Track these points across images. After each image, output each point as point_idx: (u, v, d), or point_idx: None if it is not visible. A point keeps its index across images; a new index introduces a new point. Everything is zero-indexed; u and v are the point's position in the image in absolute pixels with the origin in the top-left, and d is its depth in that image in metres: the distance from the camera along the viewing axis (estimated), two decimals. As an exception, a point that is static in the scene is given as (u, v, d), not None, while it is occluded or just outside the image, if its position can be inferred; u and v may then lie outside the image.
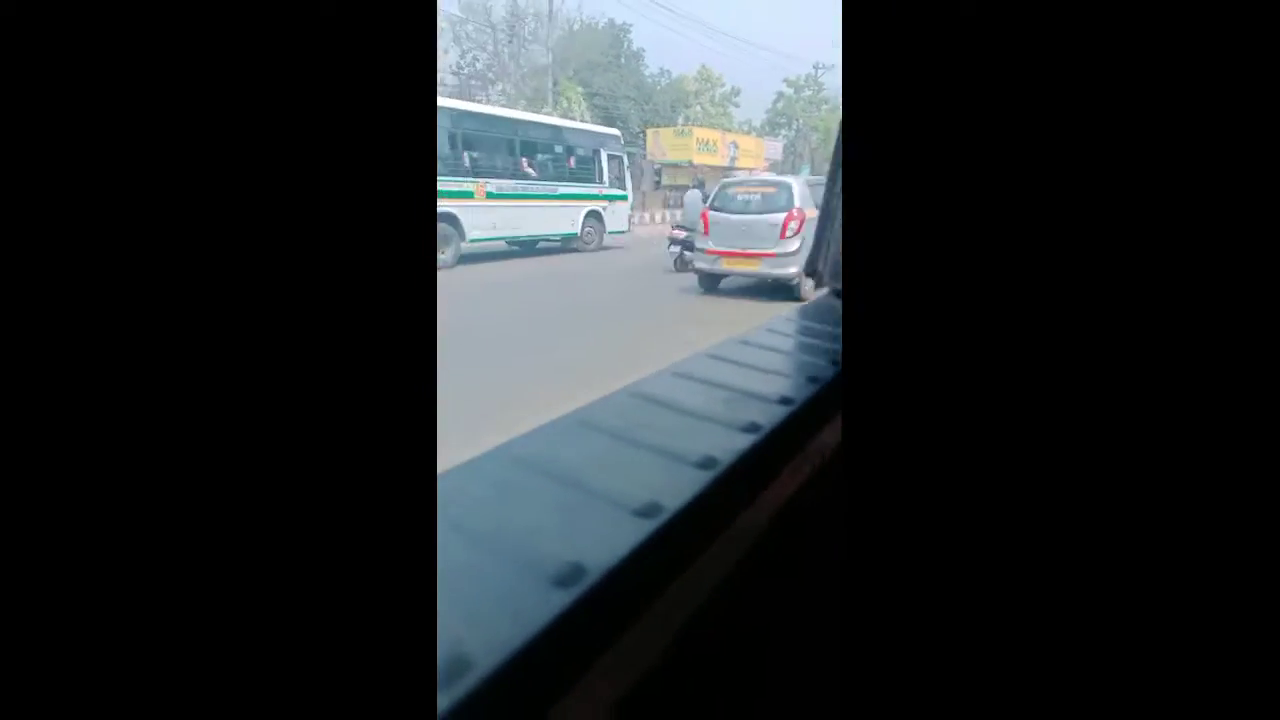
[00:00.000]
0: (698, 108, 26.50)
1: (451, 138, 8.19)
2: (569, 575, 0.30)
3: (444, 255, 7.79)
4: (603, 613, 0.31)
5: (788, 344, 0.71)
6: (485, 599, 0.28)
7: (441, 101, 9.17)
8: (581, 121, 13.73)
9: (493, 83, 20.92)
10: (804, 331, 0.77)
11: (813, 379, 0.59)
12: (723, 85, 27.54)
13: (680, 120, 25.01)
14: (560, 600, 0.28)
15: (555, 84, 19.79)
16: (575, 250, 9.94)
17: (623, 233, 10.78)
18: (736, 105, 28.33)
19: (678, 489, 0.39)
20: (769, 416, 0.50)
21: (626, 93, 23.71)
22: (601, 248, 10.23)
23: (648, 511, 0.36)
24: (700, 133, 19.94)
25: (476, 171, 8.43)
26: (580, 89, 20.13)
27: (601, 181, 10.41)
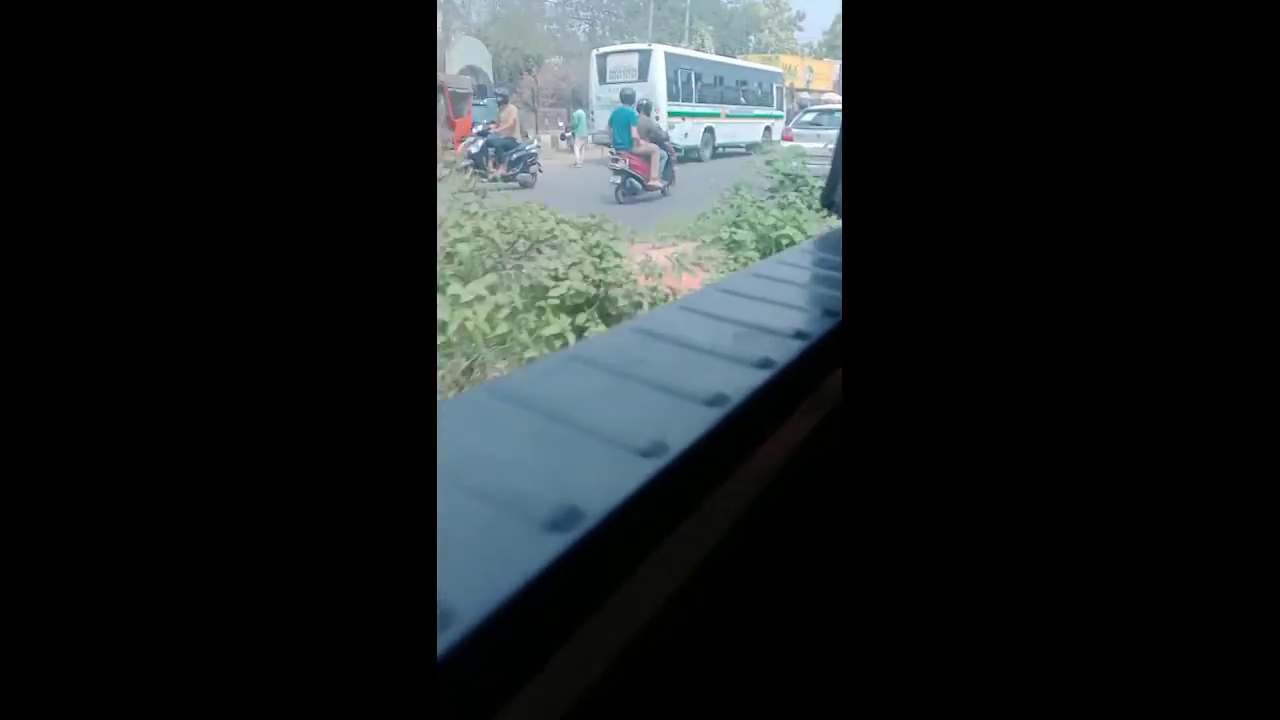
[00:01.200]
0: (766, 31, 31.02)
1: (715, 78, 13.89)
2: (564, 519, 0.29)
3: (706, 152, 13.50)
4: (601, 560, 0.30)
5: (802, 276, 0.69)
6: (472, 544, 0.27)
7: (700, 54, 14.91)
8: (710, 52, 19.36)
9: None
10: (819, 263, 0.74)
11: (829, 313, 0.57)
12: (789, 10, 31.98)
13: (752, 43, 29.68)
14: (555, 546, 0.27)
15: (690, 24, 24.83)
16: (750, 153, 15.21)
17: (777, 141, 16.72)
18: (800, 29, 32.75)
19: (684, 428, 0.37)
20: (781, 352, 0.48)
21: (709, 20, 28.44)
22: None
23: (651, 451, 0.34)
24: (784, 59, 25.05)
25: (721, 99, 14.25)
26: (709, 27, 25.17)
27: (772, 105, 16.10)
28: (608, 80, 12.72)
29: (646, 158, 7.87)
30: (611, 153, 8.11)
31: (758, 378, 0.44)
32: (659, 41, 14.86)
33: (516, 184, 7.73)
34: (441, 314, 2.38)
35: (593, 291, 2.81)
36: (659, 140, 8.29)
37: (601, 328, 2.66)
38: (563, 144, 13.79)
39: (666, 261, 3.33)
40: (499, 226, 3.06)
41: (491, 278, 2.72)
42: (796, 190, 5.19)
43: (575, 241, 3.04)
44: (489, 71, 16.69)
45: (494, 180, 6.31)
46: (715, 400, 0.40)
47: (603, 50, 13.56)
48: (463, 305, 2.45)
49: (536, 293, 2.75)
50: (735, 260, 3.80)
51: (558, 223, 3.16)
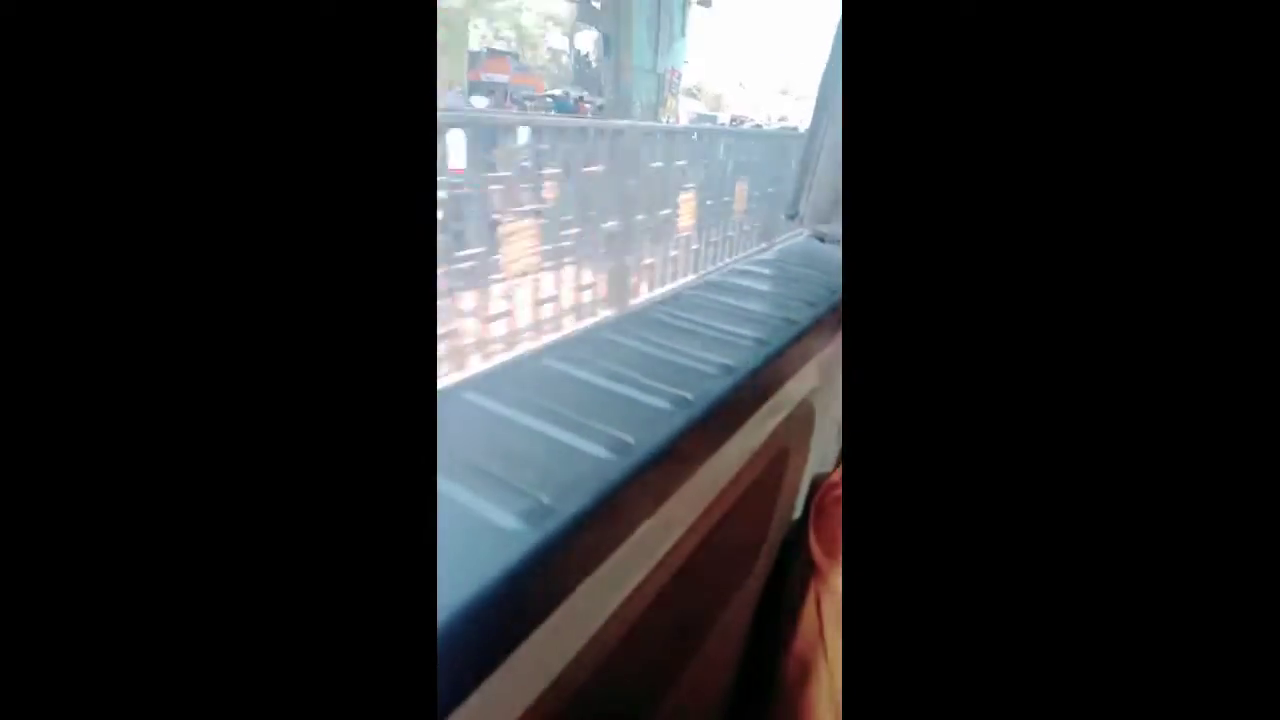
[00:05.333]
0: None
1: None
2: (538, 513, 0.29)
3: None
4: (567, 555, 0.29)
5: (762, 285, 0.69)
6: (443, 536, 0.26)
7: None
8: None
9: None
10: (780, 273, 0.73)
11: (789, 321, 0.57)
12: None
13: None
14: (529, 539, 0.27)
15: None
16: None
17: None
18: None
19: (649, 430, 0.37)
20: (742, 359, 0.48)
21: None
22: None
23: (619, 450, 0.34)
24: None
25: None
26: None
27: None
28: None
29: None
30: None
31: (721, 383, 0.45)
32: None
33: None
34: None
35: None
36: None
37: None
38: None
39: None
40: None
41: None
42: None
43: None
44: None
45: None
46: (679, 403, 0.41)
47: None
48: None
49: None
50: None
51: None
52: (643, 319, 0.57)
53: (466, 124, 2.64)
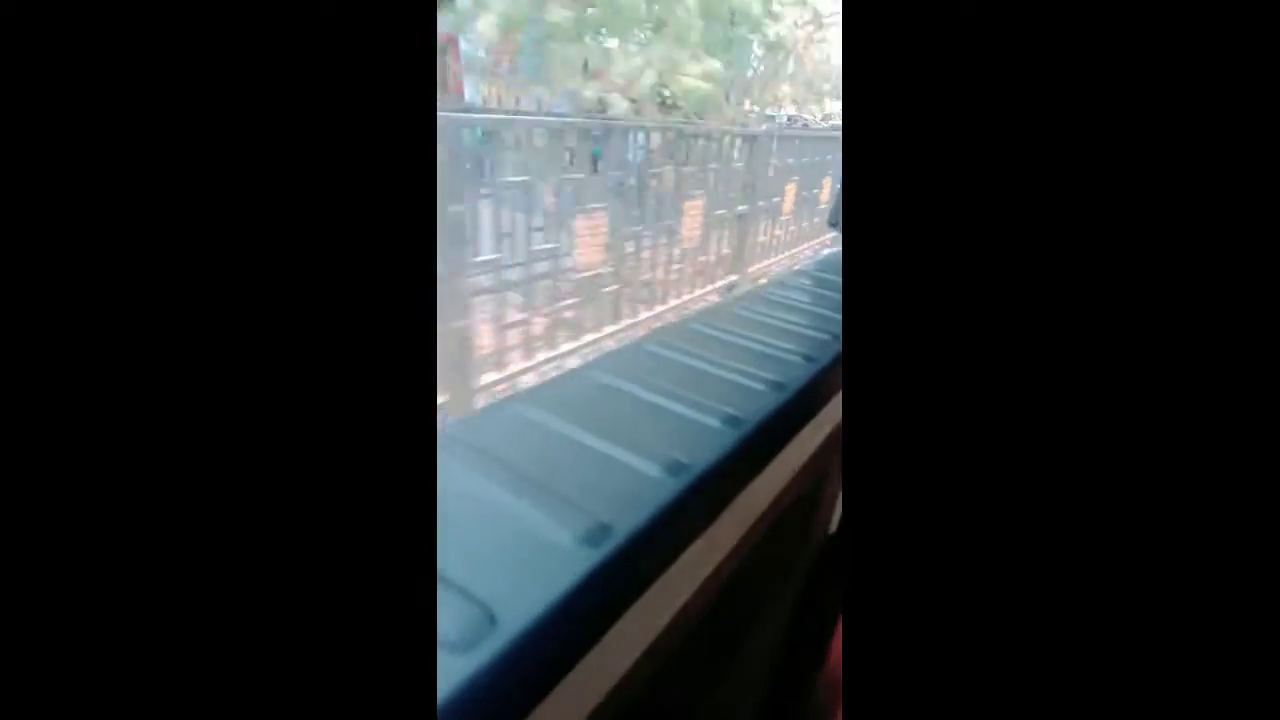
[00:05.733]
0: None
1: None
2: (598, 533, 0.29)
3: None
4: (627, 571, 0.30)
5: (805, 300, 0.68)
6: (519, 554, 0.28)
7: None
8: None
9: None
10: (823, 285, 0.72)
11: (837, 337, 0.57)
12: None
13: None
14: (589, 557, 0.28)
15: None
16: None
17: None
18: None
19: (702, 448, 0.37)
20: (791, 375, 0.48)
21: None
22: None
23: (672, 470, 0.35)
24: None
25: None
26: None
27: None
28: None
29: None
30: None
31: (771, 400, 0.45)
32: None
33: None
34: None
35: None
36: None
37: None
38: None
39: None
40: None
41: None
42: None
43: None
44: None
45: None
46: (730, 421, 0.41)
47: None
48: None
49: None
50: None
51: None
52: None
53: (748, 135, 3.93)
